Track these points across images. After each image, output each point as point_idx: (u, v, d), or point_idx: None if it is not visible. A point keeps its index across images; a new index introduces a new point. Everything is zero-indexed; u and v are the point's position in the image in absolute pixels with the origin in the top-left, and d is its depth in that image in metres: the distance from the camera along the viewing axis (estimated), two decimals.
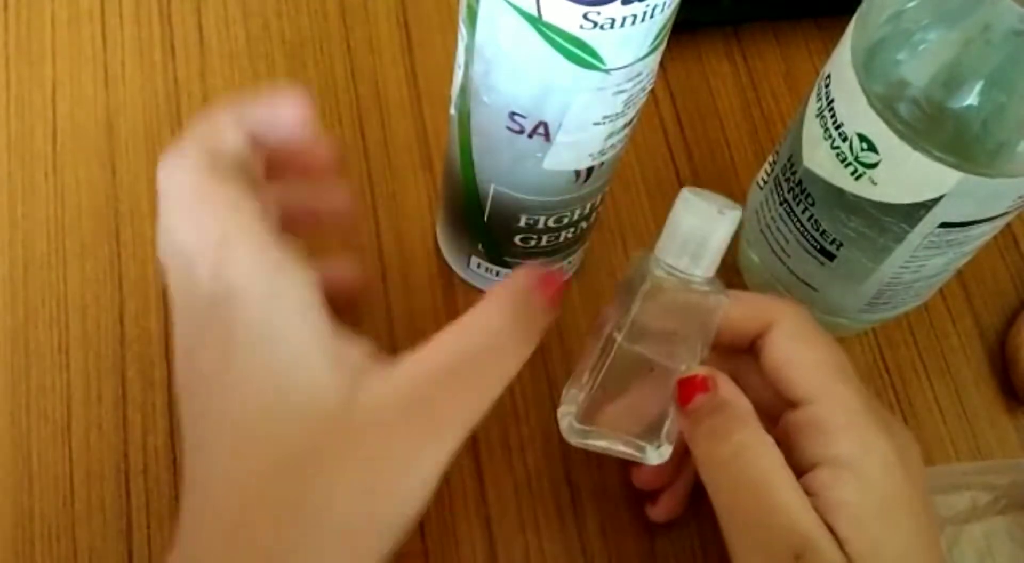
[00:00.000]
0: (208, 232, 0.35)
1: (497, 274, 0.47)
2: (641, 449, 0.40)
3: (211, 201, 0.35)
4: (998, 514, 0.45)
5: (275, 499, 0.33)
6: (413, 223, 0.50)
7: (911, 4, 0.38)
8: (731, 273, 0.51)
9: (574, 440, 0.41)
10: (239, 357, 0.34)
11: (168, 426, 0.45)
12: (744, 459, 0.37)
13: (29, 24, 0.53)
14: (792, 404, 0.39)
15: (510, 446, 0.46)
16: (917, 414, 0.49)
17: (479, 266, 0.47)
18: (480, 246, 0.46)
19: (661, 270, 0.39)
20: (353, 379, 0.34)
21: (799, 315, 0.40)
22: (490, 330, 0.36)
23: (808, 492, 0.37)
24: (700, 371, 0.39)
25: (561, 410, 0.41)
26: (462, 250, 0.47)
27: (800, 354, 0.39)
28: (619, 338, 0.39)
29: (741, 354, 0.41)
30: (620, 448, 0.41)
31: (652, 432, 0.40)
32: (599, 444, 0.41)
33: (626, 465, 0.45)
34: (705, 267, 0.39)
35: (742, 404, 0.39)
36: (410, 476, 0.34)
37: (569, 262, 0.48)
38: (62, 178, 0.49)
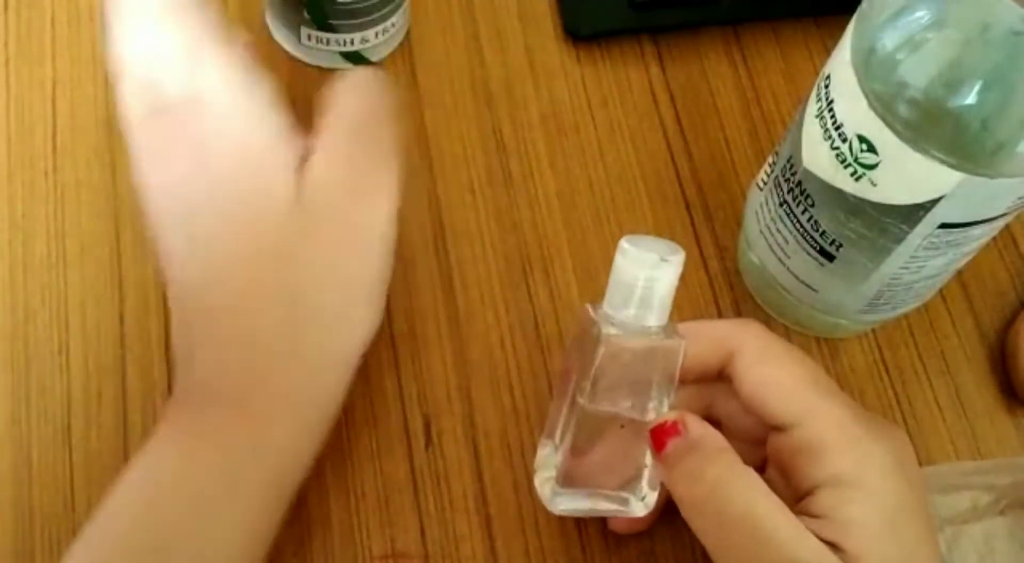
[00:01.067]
0: (176, 42, 0.39)
1: (327, 43, 0.51)
2: (625, 502, 0.40)
3: (177, 11, 0.39)
4: (999, 515, 0.45)
5: (264, 283, 0.39)
6: (411, 222, 0.50)
7: (911, 4, 0.38)
8: (731, 274, 0.51)
9: (558, 508, 0.40)
10: (211, 160, 0.40)
11: None
12: (722, 496, 0.37)
13: (29, 24, 0.53)
14: (776, 428, 0.38)
15: (510, 446, 0.46)
16: (917, 414, 0.49)
17: (310, 38, 0.51)
18: (306, 13, 0.50)
19: (613, 327, 0.38)
20: (301, 171, 0.40)
21: (759, 336, 0.40)
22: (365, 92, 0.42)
23: (814, 515, 0.36)
24: (669, 416, 0.39)
25: (538, 478, 0.41)
26: (291, 23, 0.51)
27: (772, 377, 0.39)
28: (583, 401, 0.38)
29: (714, 383, 0.41)
30: (604, 506, 0.41)
31: (633, 483, 0.40)
32: (583, 506, 0.41)
33: None
34: (657, 316, 0.38)
35: (713, 441, 0.38)
36: (370, 234, 0.41)
37: (393, 24, 0.51)
38: (62, 178, 0.49)
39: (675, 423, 0.39)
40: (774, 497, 0.36)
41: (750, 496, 0.36)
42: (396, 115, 0.42)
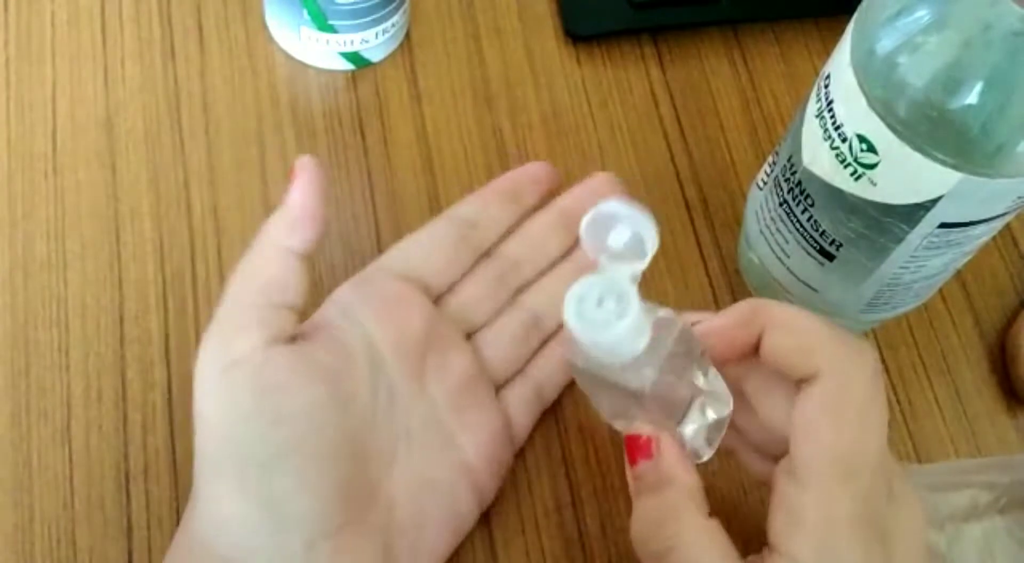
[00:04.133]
0: None
1: (327, 43, 0.51)
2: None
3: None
4: (998, 513, 0.45)
5: None
6: (414, 221, 0.50)
7: (911, 5, 0.38)
8: (731, 274, 0.51)
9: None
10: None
11: (168, 426, 0.45)
12: (676, 556, 0.36)
13: (29, 24, 0.53)
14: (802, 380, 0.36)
15: None
16: (917, 414, 0.49)
17: (309, 38, 0.51)
18: (306, 13, 0.50)
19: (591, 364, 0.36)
20: None
21: (849, 378, 0.35)
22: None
23: None
24: (644, 431, 0.38)
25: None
26: (291, 23, 0.51)
27: (821, 435, 0.35)
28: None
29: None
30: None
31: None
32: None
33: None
34: (635, 346, 0.35)
35: (681, 486, 0.37)
36: None
37: (393, 24, 0.51)
38: (62, 178, 0.49)
39: (648, 442, 0.38)
40: None
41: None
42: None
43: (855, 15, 0.40)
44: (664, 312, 0.36)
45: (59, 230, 0.48)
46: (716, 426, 0.39)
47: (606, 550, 0.45)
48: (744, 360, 0.38)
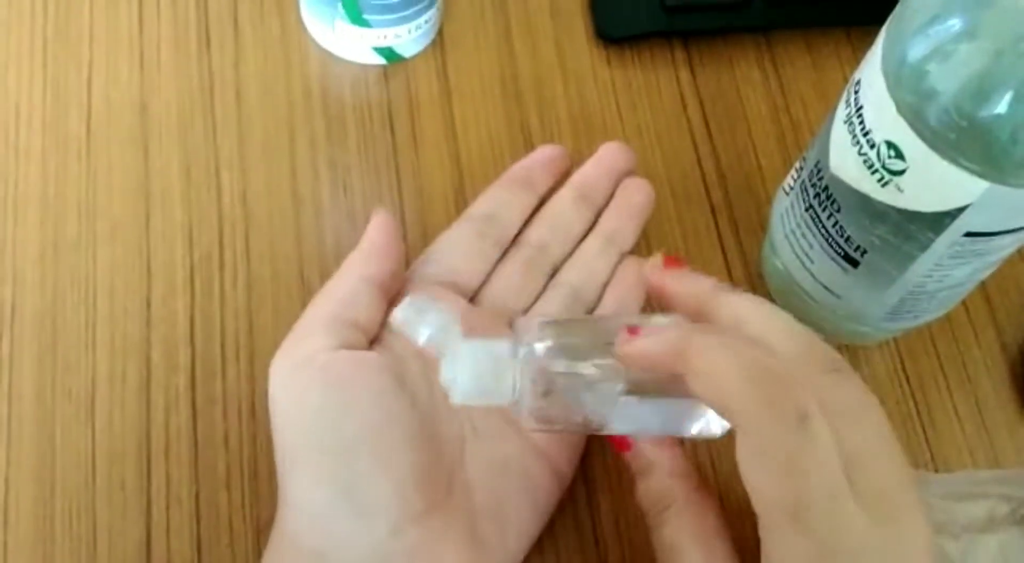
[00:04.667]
0: None
1: (361, 38, 0.52)
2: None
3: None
4: (1015, 525, 0.45)
5: None
6: (440, 218, 0.50)
7: (944, 13, 0.38)
8: (754, 278, 0.51)
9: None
10: None
11: (191, 408, 0.45)
12: (667, 531, 0.38)
13: (68, 6, 0.53)
14: None
15: None
16: (936, 424, 0.49)
17: (344, 32, 0.52)
18: (340, 7, 0.50)
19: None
20: None
21: (762, 430, 0.33)
22: None
23: None
24: (622, 431, 0.39)
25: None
26: (325, 16, 0.52)
27: (755, 484, 0.33)
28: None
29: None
30: None
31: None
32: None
33: None
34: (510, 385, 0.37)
35: (661, 468, 0.39)
36: None
37: (426, 21, 0.51)
38: (95, 160, 0.50)
39: (622, 438, 0.40)
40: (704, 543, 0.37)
41: (679, 535, 0.38)
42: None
43: (888, 21, 0.40)
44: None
45: (90, 211, 0.49)
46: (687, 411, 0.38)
47: (619, 545, 0.45)
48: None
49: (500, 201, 0.47)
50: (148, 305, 0.47)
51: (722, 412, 0.34)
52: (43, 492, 0.44)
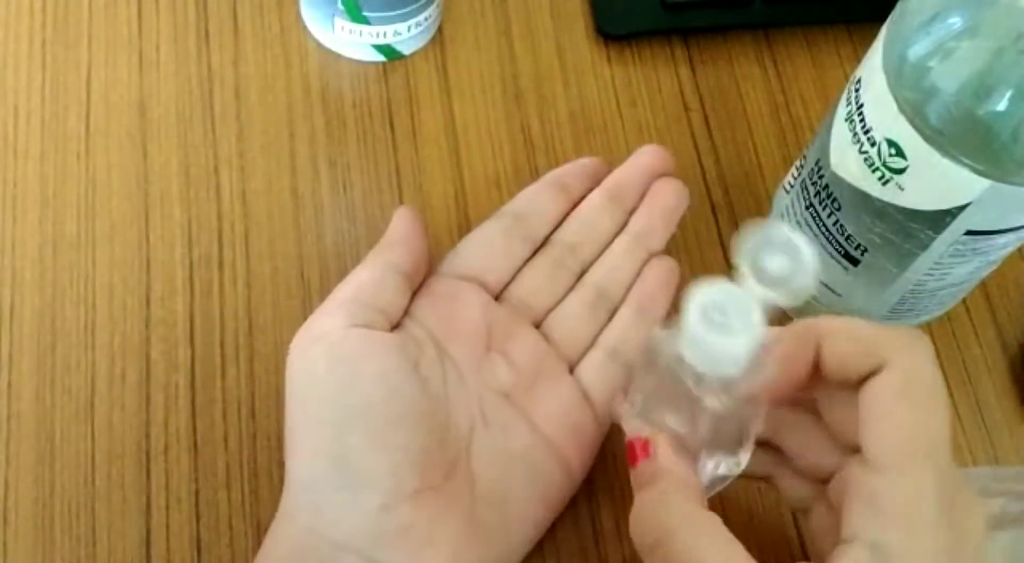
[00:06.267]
0: None
1: (360, 35, 0.51)
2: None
3: None
4: None
5: None
6: (440, 215, 0.50)
7: (944, 11, 0.38)
8: None
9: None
10: None
11: (190, 408, 0.45)
12: (671, 540, 0.35)
13: (66, 6, 0.53)
14: (857, 450, 0.36)
15: None
16: None
17: (343, 29, 0.52)
18: (340, 3, 0.50)
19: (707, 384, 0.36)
20: None
21: (915, 363, 0.35)
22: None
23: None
24: (643, 432, 0.38)
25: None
26: (324, 13, 0.51)
27: (898, 417, 0.35)
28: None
29: (786, 412, 0.39)
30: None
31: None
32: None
33: None
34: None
35: (675, 477, 0.37)
36: None
37: (426, 18, 0.51)
38: (94, 160, 0.50)
39: (646, 443, 0.38)
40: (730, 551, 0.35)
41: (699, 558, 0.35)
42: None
43: (888, 19, 0.40)
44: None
45: (89, 210, 0.49)
46: (721, 479, 0.39)
47: (620, 550, 0.45)
48: (798, 395, 0.38)
49: (532, 201, 0.48)
50: (147, 304, 0.47)
51: (868, 353, 0.35)
52: (42, 492, 0.44)
